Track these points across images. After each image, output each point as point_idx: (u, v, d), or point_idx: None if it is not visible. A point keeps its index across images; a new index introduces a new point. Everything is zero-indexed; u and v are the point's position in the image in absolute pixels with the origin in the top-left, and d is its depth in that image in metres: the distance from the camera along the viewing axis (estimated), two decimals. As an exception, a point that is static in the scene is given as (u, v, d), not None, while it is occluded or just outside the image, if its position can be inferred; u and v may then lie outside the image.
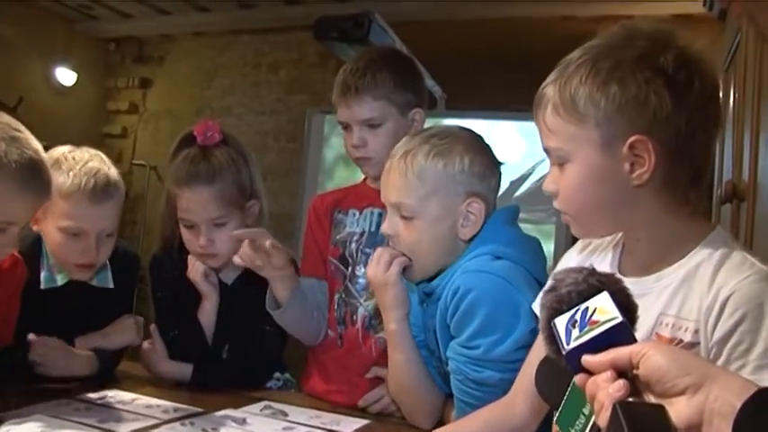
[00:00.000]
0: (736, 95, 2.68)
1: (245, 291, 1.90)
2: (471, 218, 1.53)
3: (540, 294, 0.94)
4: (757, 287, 1.01)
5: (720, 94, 1.12)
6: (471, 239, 1.54)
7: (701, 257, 1.08)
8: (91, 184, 1.72)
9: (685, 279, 1.08)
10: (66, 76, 6.08)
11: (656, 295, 1.10)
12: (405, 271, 1.59)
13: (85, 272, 1.81)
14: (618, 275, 0.92)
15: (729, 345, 1.00)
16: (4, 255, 1.53)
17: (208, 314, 1.92)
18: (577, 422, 0.89)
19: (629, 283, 1.14)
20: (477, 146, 1.57)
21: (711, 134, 1.11)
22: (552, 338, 0.90)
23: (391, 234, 1.57)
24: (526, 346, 1.37)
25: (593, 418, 0.85)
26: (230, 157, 1.88)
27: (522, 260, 1.50)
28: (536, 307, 1.35)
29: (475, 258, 1.49)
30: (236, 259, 1.77)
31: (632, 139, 1.06)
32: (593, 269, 0.91)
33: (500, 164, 1.61)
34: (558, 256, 1.70)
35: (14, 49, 5.56)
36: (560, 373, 0.93)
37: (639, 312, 1.05)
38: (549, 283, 0.93)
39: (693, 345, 1.04)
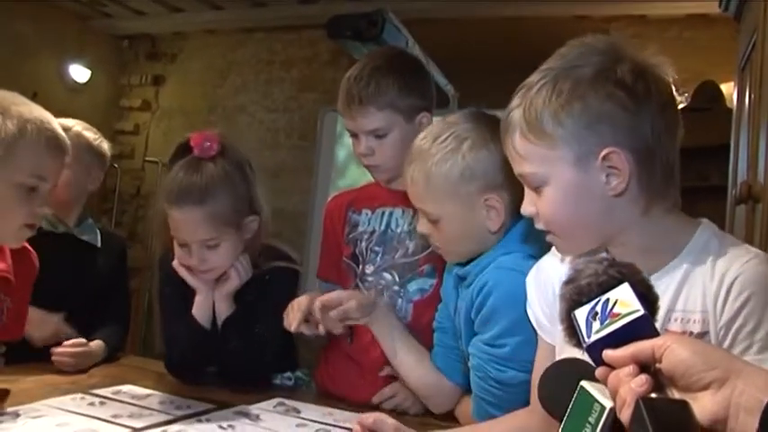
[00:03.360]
0: (752, 96, 2.67)
1: (240, 295, 1.87)
2: (493, 211, 1.51)
3: (560, 285, 0.93)
4: (761, 269, 1.05)
5: (674, 96, 1.15)
6: (502, 228, 1.53)
7: (696, 251, 1.11)
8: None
9: (686, 274, 1.11)
10: (79, 72, 6.11)
11: (660, 294, 1.10)
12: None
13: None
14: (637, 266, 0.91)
15: (735, 326, 1.02)
16: (39, 218, 1.55)
17: (201, 308, 1.84)
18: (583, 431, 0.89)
19: None
20: (484, 135, 1.50)
21: (675, 133, 1.14)
22: (572, 330, 0.89)
23: (426, 233, 1.58)
24: None
25: (598, 428, 0.85)
26: (225, 173, 1.78)
27: None
28: (533, 316, 1.36)
29: (508, 254, 1.49)
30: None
31: (604, 152, 1.09)
32: (614, 259, 0.92)
33: None
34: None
35: (29, 46, 5.59)
36: (564, 386, 0.92)
37: None
38: (568, 273, 0.93)
39: (703, 335, 1.06)
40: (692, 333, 1.06)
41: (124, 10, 6.12)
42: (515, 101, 1.17)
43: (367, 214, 1.96)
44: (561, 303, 0.92)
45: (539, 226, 1.21)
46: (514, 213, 1.49)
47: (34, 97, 1.58)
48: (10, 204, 1.47)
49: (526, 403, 1.40)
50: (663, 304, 1.08)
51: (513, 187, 1.51)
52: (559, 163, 1.12)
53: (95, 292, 2.14)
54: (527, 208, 1.21)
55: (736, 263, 1.06)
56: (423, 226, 1.58)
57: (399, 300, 1.86)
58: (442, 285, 1.73)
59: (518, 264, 1.46)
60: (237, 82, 6.28)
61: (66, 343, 1.86)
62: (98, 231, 2.24)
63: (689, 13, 4.66)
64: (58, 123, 1.56)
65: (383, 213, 1.92)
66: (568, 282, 0.92)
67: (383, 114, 1.81)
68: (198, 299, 1.85)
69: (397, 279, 1.87)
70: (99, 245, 2.21)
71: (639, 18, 4.75)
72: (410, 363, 1.69)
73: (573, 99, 1.09)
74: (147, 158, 6.29)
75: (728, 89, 4.07)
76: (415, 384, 1.70)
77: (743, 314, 1.02)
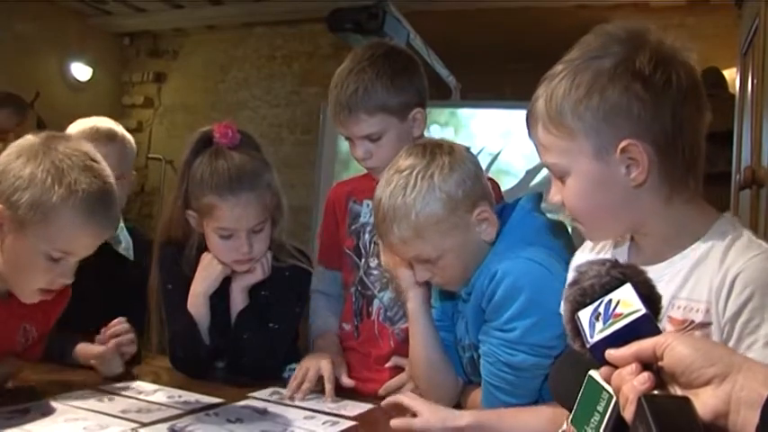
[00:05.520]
0: (755, 81, 2.66)
1: (253, 292, 1.88)
2: (486, 222, 1.51)
3: (565, 288, 0.94)
4: (765, 265, 1.04)
5: (699, 81, 1.14)
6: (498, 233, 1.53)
7: (711, 242, 1.11)
8: None
9: (697, 263, 1.11)
10: (81, 71, 6.11)
11: (667, 281, 1.12)
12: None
13: None
14: (641, 267, 0.92)
15: (740, 322, 1.02)
16: (59, 285, 1.48)
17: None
18: (592, 420, 0.89)
19: None
20: (442, 162, 1.49)
21: (698, 121, 1.13)
22: (576, 332, 0.90)
23: (426, 279, 1.56)
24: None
25: (606, 416, 0.86)
26: (258, 159, 1.83)
27: (552, 245, 1.49)
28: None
29: (508, 246, 1.49)
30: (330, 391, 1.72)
31: (622, 144, 1.09)
32: (616, 261, 0.92)
33: (466, 148, 1.56)
34: (577, 243, 1.68)
35: (31, 45, 5.60)
36: (574, 376, 0.93)
37: None
38: (572, 275, 0.94)
39: (705, 325, 1.06)
40: (693, 321, 1.07)
41: (124, 7, 6.12)
42: (539, 90, 1.18)
43: (368, 205, 1.95)
44: (565, 305, 0.93)
45: (566, 214, 1.22)
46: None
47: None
48: (30, 268, 1.41)
49: (537, 388, 1.41)
50: (668, 291, 1.10)
51: (487, 190, 1.54)
52: (580, 155, 1.13)
53: (121, 302, 2.01)
54: (554, 197, 1.21)
55: (742, 258, 1.05)
56: (422, 274, 1.55)
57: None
58: (433, 287, 1.72)
59: (522, 251, 1.46)
60: (239, 77, 6.28)
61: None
62: (131, 240, 2.17)
63: (691, -1, 4.65)
64: (114, 194, 1.46)
65: (385, 204, 1.92)
66: (572, 284, 0.93)
67: (375, 119, 1.77)
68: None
69: None
70: (132, 257, 2.14)
71: (642, 6, 4.73)
72: (433, 345, 1.64)
73: (592, 92, 1.09)
74: (150, 155, 6.30)
75: (731, 75, 4.06)
76: (425, 367, 1.65)
77: (747, 309, 1.02)
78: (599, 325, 0.87)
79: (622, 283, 0.88)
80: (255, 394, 1.67)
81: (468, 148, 1.57)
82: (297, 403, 1.63)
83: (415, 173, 1.47)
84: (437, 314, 1.70)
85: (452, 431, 1.39)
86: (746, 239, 1.10)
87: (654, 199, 1.13)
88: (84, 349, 1.79)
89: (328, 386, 1.70)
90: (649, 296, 0.87)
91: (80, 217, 1.39)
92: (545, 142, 1.17)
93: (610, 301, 0.87)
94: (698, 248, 1.12)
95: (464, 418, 1.41)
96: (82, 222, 1.39)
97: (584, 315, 0.89)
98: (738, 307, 1.02)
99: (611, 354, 0.85)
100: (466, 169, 1.50)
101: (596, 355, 0.87)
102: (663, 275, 1.12)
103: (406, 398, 1.47)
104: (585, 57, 1.12)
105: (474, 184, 1.50)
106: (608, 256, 1.26)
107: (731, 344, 1.02)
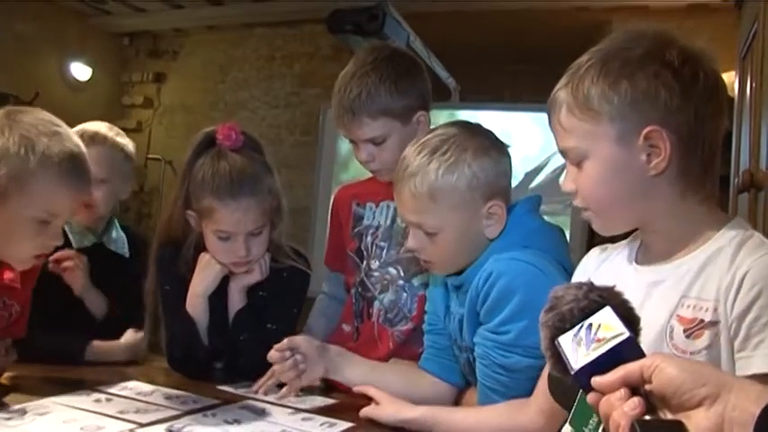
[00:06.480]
0: (754, 84, 2.67)
1: (250, 292, 1.89)
2: (495, 217, 1.52)
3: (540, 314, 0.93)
4: None
5: (724, 86, 1.16)
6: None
7: (722, 242, 1.11)
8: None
9: (706, 263, 1.11)
10: (81, 71, 6.11)
11: (675, 281, 1.12)
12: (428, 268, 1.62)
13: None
14: (618, 289, 0.90)
15: (748, 320, 1.02)
16: (49, 248, 1.54)
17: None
18: (591, 421, 0.89)
19: (647, 271, 1.17)
20: (482, 143, 1.53)
21: (718, 123, 1.14)
22: (558, 358, 0.88)
23: (417, 248, 1.57)
24: None
25: None
26: (260, 163, 1.83)
27: (548, 248, 1.50)
28: None
29: (504, 247, 1.50)
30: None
31: (647, 129, 1.10)
32: (593, 284, 0.91)
33: (507, 146, 1.59)
34: (573, 247, 1.69)
35: (30, 45, 5.60)
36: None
37: (658, 299, 1.10)
38: (548, 302, 0.92)
39: (714, 323, 1.05)
40: (702, 321, 1.07)
41: (124, 7, 6.11)
42: (563, 80, 1.18)
43: (371, 208, 1.96)
44: (543, 331, 0.91)
45: (577, 203, 1.22)
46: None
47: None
48: (19, 236, 1.45)
49: (531, 390, 1.42)
50: (677, 290, 1.11)
51: (507, 192, 1.56)
52: (602, 139, 1.13)
53: (119, 299, 2.06)
54: (567, 185, 1.22)
55: (751, 257, 1.05)
56: (415, 241, 1.56)
57: (404, 294, 1.87)
58: (429, 288, 1.73)
59: (515, 253, 1.47)
60: (239, 78, 6.28)
61: None
62: (125, 238, 2.19)
63: (690, 2, 4.65)
64: (84, 155, 1.50)
65: (387, 207, 1.92)
66: (549, 309, 0.91)
67: (378, 123, 1.78)
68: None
69: (401, 273, 1.87)
70: (127, 255, 2.17)
71: (641, 9, 4.73)
72: (399, 386, 1.65)
73: (620, 77, 1.11)
74: (149, 156, 6.29)
75: (730, 78, 4.07)
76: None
77: (756, 307, 1.02)
78: (581, 350, 0.84)
79: (601, 306, 0.86)
80: (267, 398, 1.67)
81: (508, 147, 1.59)
82: (293, 404, 1.63)
83: (451, 140, 1.51)
84: (429, 318, 1.71)
85: (403, 422, 1.47)
86: (758, 240, 1.10)
87: (668, 192, 1.13)
88: (99, 347, 1.87)
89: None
90: (629, 318, 0.85)
91: (57, 179, 1.44)
92: (567, 126, 1.17)
93: (590, 325, 0.85)
94: (707, 249, 1.12)
95: (416, 410, 1.48)
96: (59, 184, 1.45)
97: (565, 341, 0.86)
98: (746, 305, 1.02)
99: (598, 381, 0.83)
100: (499, 161, 1.54)
101: (581, 381, 0.85)
102: (669, 275, 1.13)
103: (372, 389, 1.56)
104: (614, 47, 1.14)
105: (500, 178, 1.53)
106: (619, 258, 1.27)
107: (738, 342, 1.02)
